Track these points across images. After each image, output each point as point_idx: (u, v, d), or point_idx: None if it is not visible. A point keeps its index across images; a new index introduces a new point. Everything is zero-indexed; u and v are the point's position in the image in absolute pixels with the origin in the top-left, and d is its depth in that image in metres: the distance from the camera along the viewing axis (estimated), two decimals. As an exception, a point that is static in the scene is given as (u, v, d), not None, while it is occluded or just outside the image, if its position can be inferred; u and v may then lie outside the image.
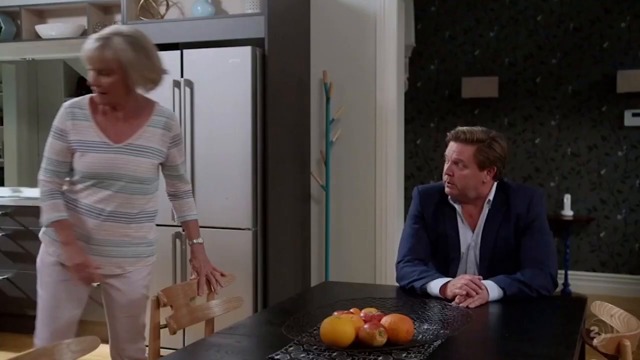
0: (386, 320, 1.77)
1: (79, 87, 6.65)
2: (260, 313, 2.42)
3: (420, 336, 1.82)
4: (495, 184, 2.56)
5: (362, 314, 1.85)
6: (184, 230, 2.81)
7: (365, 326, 1.74)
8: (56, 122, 2.46)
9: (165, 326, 2.27)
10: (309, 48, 4.37)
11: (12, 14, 4.81)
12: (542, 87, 6.04)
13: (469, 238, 2.56)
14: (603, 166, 5.88)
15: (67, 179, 2.49)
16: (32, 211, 4.48)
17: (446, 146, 2.61)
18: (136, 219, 2.52)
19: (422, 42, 6.28)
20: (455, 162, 2.52)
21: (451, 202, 2.59)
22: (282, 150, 4.06)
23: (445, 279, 2.37)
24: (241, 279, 3.75)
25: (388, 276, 4.28)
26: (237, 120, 3.83)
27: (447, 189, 2.55)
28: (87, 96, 2.51)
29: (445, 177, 2.55)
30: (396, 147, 4.30)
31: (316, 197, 4.42)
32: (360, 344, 1.73)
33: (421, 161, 6.48)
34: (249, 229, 3.83)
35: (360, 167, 4.32)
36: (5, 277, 4.56)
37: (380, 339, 1.72)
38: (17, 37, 4.80)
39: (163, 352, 2.22)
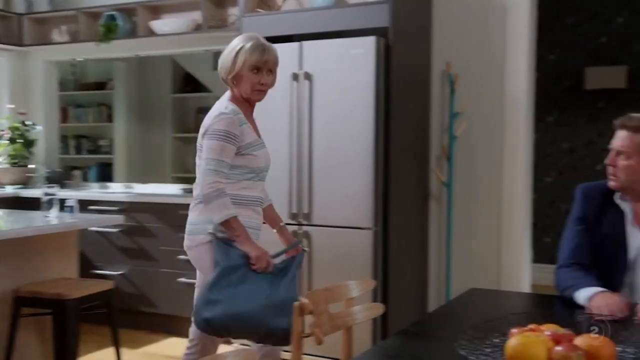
0: (583, 341, 1.52)
1: (186, 84, 6.69)
2: (415, 324, 2.20)
3: (625, 362, 1.56)
4: None
5: (548, 333, 1.61)
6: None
7: (559, 348, 1.50)
8: (228, 128, 2.61)
9: (308, 335, 2.10)
10: (431, 38, 4.13)
11: (128, 11, 4.82)
12: (678, 76, 5.54)
13: (637, 242, 2.27)
14: None
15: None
16: (145, 207, 4.48)
17: (611, 136, 2.35)
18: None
19: (540, 31, 5.88)
20: (619, 152, 2.28)
21: (618, 201, 2.32)
22: (403, 146, 3.84)
23: (595, 290, 2.12)
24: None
25: (514, 282, 3.98)
26: (359, 114, 3.64)
27: (610, 182, 2.31)
28: (228, 98, 2.74)
29: (608, 169, 2.31)
30: (526, 142, 3.99)
31: (436, 195, 4.18)
32: (552, 369, 1.49)
33: (538, 157, 6.09)
34: (369, 229, 3.64)
35: (486, 163, 4.04)
36: (120, 272, 4.57)
37: (578, 364, 1.47)
38: (132, 34, 4.81)
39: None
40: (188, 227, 2.75)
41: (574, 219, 2.41)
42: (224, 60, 2.71)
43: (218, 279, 2.55)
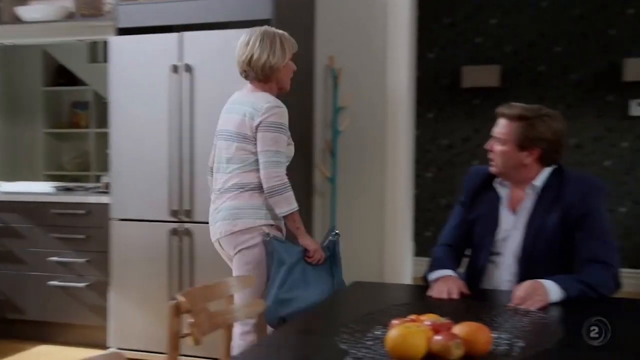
0: (461, 329, 1.53)
1: (59, 76, 6.31)
2: (296, 322, 2.15)
3: (500, 348, 1.58)
4: (550, 169, 2.35)
5: (427, 322, 1.60)
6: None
7: (438, 337, 1.49)
8: (282, 120, 2.73)
9: (185, 335, 2.00)
10: (315, 32, 4.11)
11: (-10, -6, 4.46)
12: (546, 76, 5.85)
13: (509, 223, 2.37)
14: (607, 158, 5.72)
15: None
16: (13, 206, 4.17)
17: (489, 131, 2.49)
18: None
19: (419, 30, 6.04)
20: (497, 139, 2.39)
21: (496, 185, 2.43)
22: (288, 140, 3.79)
23: (441, 273, 2.29)
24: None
25: (397, 275, 4.05)
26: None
27: (491, 168, 2.43)
28: (263, 90, 2.82)
29: (489, 155, 2.43)
30: (407, 138, 4.06)
31: (320, 190, 4.17)
32: (432, 359, 1.48)
33: (419, 153, 6.25)
34: (253, 225, 3.56)
35: (370, 158, 4.07)
36: (-16, 277, 4.22)
37: (457, 352, 1.47)
38: (-4, 19, 4.46)
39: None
40: (231, 212, 2.73)
41: (456, 200, 2.54)
42: (274, 52, 2.75)
43: (286, 277, 2.65)
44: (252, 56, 2.73)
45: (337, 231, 2.93)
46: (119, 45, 3.81)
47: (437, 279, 2.26)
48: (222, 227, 2.75)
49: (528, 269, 2.29)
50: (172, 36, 3.65)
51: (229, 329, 2.21)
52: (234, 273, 2.78)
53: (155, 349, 3.75)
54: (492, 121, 2.46)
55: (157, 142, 3.67)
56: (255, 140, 2.70)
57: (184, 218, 3.66)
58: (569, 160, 5.69)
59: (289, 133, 2.79)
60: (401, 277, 4.07)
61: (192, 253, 3.65)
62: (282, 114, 2.73)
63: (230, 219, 2.72)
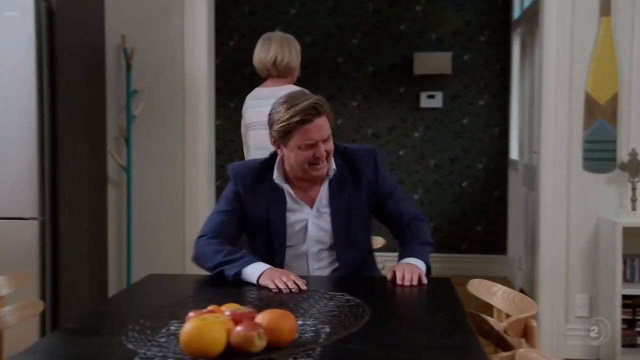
0: (263, 318, 1.40)
1: None
2: (80, 319, 1.88)
3: (306, 335, 1.47)
4: None
5: (227, 313, 1.45)
6: None
7: (239, 328, 1.35)
8: None
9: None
10: (104, 7, 3.77)
11: None
12: (344, 67, 5.98)
13: (305, 215, 2.26)
14: (401, 147, 5.99)
15: None
16: None
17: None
18: None
19: (219, 17, 5.88)
20: (324, 139, 2.18)
21: (277, 181, 2.25)
22: (75, 126, 3.45)
23: (264, 266, 2.07)
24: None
25: (197, 267, 3.84)
26: (17, 89, 3.15)
27: (322, 171, 2.20)
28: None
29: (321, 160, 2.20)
30: (207, 123, 3.87)
31: (114, 180, 3.85)
32: (233, 352, 1.33)
33: (222, 143, 6.09)
34: (35, 219, 3.18)
35: (169, 146, 3.83)
36: None
37: (260, 343, 1.34)
38: None
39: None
40: None
41: (225, 197, 2.29)
42: (291, 53, 3.34)
43: None
44: (276, 58, 3.20)
45: None
46: None
47: (263, 272, 2.04)
48: None
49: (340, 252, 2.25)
50: None
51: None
52: None
53: None
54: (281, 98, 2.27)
55: None
56: None
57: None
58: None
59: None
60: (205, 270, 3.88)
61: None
62: None
63: None
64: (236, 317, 1.42)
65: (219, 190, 6.05)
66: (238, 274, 2.07)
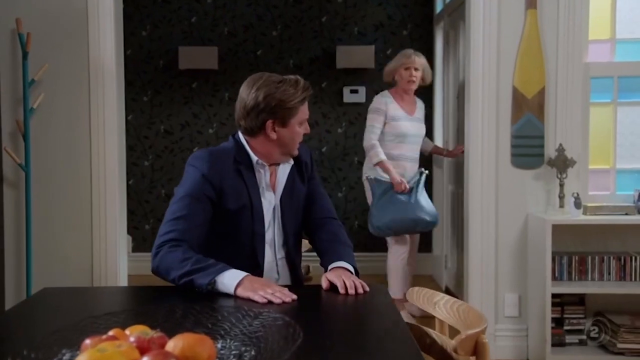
0: (175, 345, 1.16)
1: None
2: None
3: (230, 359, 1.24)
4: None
5: (132, 339, 1.20)
6: None
7: (145, 359, 1.10)
8: (376, 106, 4.32)
9: None
10: (-4, -12, 3.39)
11: None
12: (263, 59, 5.73)
13: (272, 202, 2.16)
14: (324, 143, 5.82)
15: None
16: None
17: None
18: None
19: (130, 4, 5.53)
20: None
21: (260, 163, 2.14)
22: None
23: (241, 274, 1.85)
24: None
25: (109, 277, 3.53)
26: None
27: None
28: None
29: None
30: (117, 117, 3.55)
31: (11, 179, 3.47)
32: (138, 389, 1.09)
33: (134, 139, 5.73)
34: None
35: (72, 143, 3.49)
36: None
37: (172, 377, 1.10)
38: None
39: None
40: None
41: (188, 192, 2.04)
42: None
43: (377, 200, 4.21)
44: None
45: (423, 170, 4.24)
46: None
47: (240, 282, 1.82)
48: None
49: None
50: None
51: None
52: None
53: None
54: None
55: None
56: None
57: None
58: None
59: (382, 114, 4.26)
60: (115, 278, 3.57)
61: None
62: (374, 101, 4.35)
63: None
64: (142, 345, 1.17)
65: (134, 190, 5.74)
66: (212, 284, 1.83)
